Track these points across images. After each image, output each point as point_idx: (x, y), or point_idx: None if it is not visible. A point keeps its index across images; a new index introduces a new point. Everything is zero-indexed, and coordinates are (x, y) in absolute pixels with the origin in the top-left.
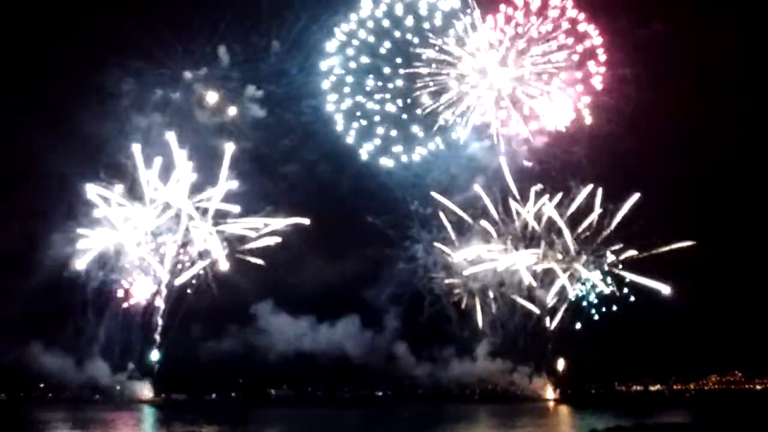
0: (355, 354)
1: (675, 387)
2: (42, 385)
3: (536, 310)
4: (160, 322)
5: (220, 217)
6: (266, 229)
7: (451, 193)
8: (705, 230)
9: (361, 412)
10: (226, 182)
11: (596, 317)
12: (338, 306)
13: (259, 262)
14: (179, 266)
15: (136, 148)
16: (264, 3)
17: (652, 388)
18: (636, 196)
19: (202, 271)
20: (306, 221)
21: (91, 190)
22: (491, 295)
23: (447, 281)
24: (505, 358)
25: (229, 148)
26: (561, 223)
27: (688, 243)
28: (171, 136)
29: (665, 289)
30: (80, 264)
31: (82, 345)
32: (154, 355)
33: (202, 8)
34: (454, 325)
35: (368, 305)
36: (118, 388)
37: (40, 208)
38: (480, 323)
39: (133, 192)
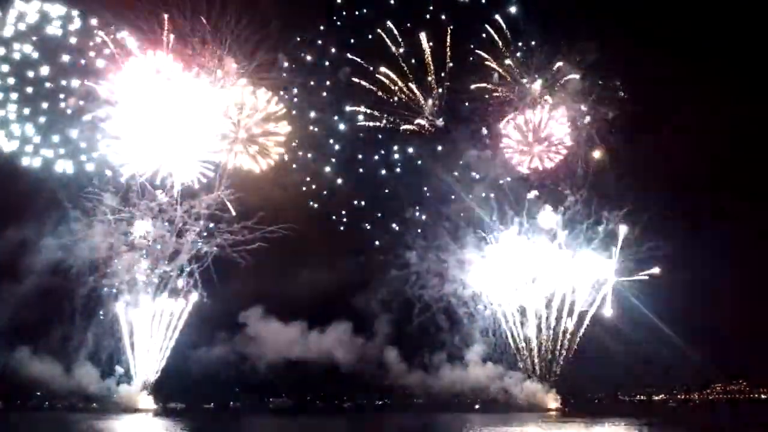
0: (346, 361)
1: (679, 396)
2: (39, 393)
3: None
4: (151, 328)
5: (214, 222)
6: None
7: (448, 200)
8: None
9: (362, 422)
10: (221, 190)
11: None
12: (329, 313)
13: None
14: (170, 273)
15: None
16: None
17: (656, 398)
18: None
19: (191, 279)
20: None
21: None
22: (483, 301)
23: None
24: (496, 363)
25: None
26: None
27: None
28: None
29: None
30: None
31: (70, 351)
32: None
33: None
34: (445, 332)
35: (359, 312)
36: (115, 396)
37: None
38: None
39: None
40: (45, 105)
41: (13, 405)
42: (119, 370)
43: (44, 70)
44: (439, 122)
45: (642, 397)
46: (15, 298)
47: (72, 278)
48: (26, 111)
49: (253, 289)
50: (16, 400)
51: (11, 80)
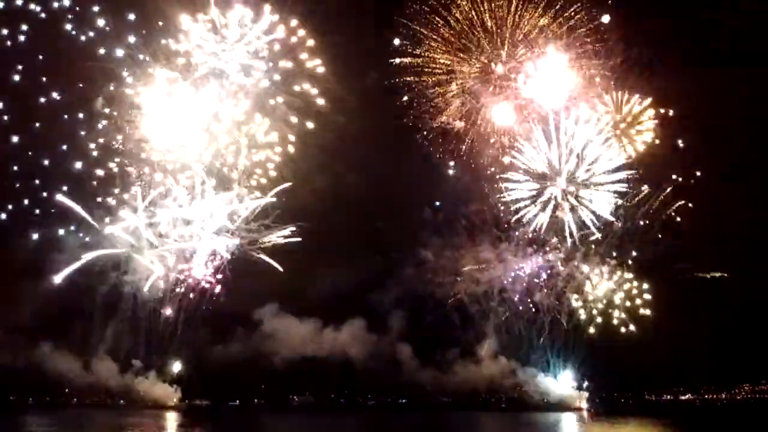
0: (363, 359)
1: (706, 396)
2: (67, 390)
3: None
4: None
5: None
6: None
7: (464, 199)
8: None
9: (395, 421)
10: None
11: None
12: (344, 310)
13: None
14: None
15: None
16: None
17: (683, 398)
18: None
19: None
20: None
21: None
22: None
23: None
24: (509, 358)
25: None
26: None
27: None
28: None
29: None
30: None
31: (92, 346)
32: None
33: None
34: (459, 330)
35: (374, 309)
36: (142, 393)
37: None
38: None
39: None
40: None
41: (42, 401)
42: (137, 364)
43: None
44: (459, 123)
45: (669, 397)
46: (38, 294)
47: (94, 275)
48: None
49: (268, 287)
50: (45, 396)
51: None
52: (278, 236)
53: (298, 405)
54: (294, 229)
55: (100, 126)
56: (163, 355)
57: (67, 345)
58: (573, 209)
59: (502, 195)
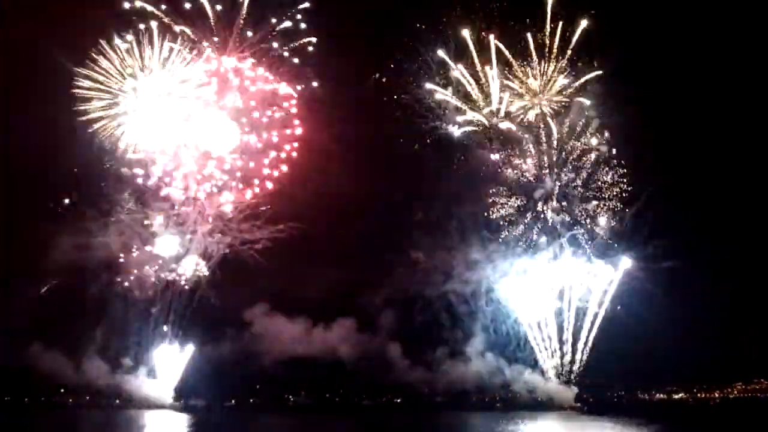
0: (350, 358)
1: (699, 395)
2: (62, 390)
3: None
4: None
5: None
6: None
7: (458, 201)
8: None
9: (387, 421)
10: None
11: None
12: (334, 309)
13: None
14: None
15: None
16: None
17: (675, 396)
18: None
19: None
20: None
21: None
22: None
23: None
24: (497, 357)
25: None
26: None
27: None
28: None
29: None
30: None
31: (83, 346)
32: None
33: None
34: (448, 330)
35: (364, 309)
36: (134, 393)
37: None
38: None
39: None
40: None
41: (38, 402)
42: (128, 362)
43: None
44: (452, 128)
45: (662, 396)
46: (31, 296)
47: (87, 276)
48: None
49: (258, 287)
50: (40, 396)
51: None
52: (269, 237)
53: (294, 405)
54: (285, 229)
55: (94, 129)
56: (152, 354)
57: (59, 345)
58: (562, 216)
59: (490, 210)
